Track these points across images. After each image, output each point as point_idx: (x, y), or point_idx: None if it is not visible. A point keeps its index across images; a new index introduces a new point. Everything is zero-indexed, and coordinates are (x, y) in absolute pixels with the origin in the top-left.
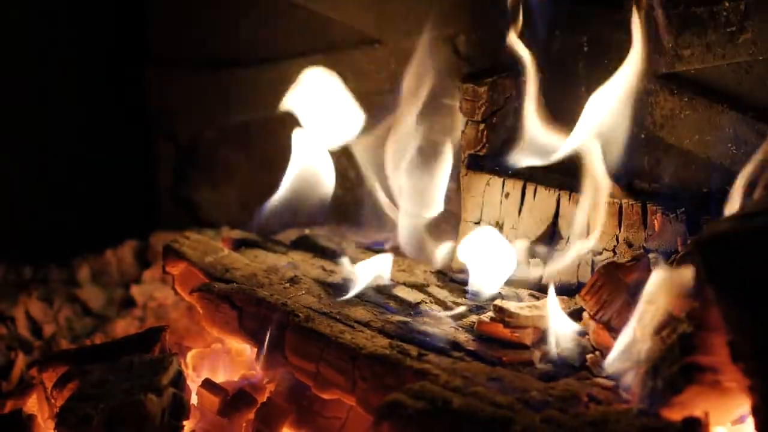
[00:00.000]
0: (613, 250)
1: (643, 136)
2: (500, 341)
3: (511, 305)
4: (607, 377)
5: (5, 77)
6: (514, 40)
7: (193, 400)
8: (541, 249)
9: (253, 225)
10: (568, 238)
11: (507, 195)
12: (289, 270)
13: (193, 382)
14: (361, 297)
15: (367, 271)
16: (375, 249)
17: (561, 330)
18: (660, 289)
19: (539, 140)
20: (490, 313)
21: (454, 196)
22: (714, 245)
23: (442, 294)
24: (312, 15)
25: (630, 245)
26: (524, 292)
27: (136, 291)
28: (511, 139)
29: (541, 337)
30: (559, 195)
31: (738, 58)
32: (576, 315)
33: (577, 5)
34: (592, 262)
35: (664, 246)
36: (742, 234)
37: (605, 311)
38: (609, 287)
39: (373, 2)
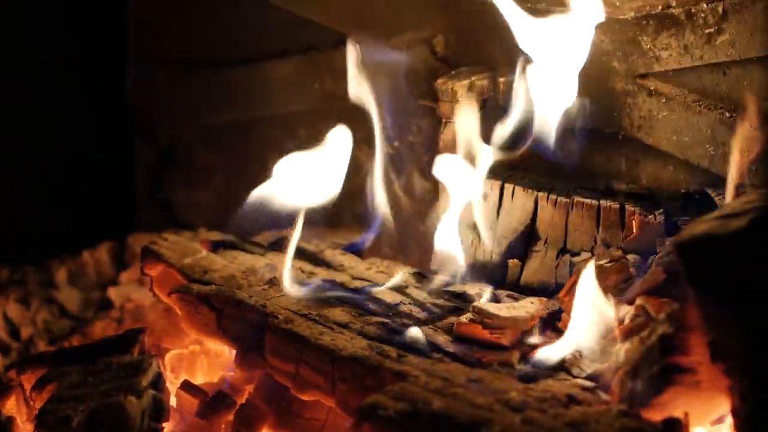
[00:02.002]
0: (591, 251)
1: (620, 137)
2: (479, 342)
3: (489, 306)
4: (586, 378)
5: None
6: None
7: (172, 401)
8: (519, 250)
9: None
10: (546, 239)
11: (485, 196)
12: (268, 272)
13: (172, 384)
14: (340, 298)
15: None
16: (352, 250)
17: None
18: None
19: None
20: (469, 315)
21: (432, 197)
22: (694, 246)
23: (421, 295)
24: (290, 16)
25: (608, 246)
26: (502, 293)
27: (113, 292)
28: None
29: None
30: (537, 196)
31: (716, 59)
32: (555, 316)
33: None
34: (570, 263)
35: (642, 247)
36: (723, 235)
37: None
38: None
39: (352, 3)
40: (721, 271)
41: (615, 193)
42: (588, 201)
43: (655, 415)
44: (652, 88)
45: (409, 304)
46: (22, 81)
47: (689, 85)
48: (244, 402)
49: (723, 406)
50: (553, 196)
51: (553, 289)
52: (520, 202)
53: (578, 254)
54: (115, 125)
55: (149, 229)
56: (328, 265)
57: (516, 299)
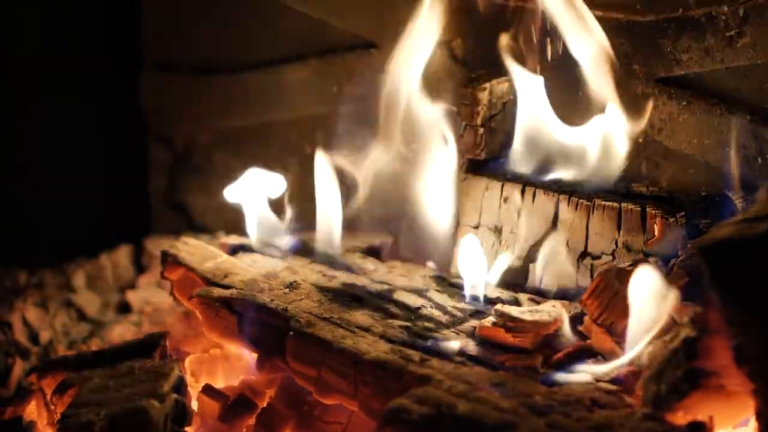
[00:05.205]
0: (612, 255)
1: (641, 140)
2: (501, 346)
3: (512, 310)
4: (610, 381)
5: None
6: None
7: (193, 405)
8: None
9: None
10: (567, 242)
11: (506, 199)
12: (289, 275)
13: (192, 388)
14: (362, 302)
15: None
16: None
17: None
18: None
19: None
20: (492, 318)
21: (453, 200)
22: (718, 250)
23: (442, 298)
24: (307, 19)
25: (629, 249)
26: (524, 296)
27: (131, 296)
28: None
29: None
30: (558, 199)
31: (737, 62)
32: (577, 319)
33: None
34: (592, 266)
35: (663, 250)
36: (746, 238)
37: (607, 315)
38: (610, 291)
39: (370, 6)
40: (744, 274)
41: (636, 195)
42: (609, 204)
43: (680, 419)
44: (672, 90)
45: (431, 307)
46: (36, 85)
47: (710, 88)
48: (265, 406)
49: (747, 409)
50: (574, 199)
51: (574, 292)
52: (541, 205)
53: (599, 257)
54: (132, 128)
55: (166, 233)
56: (348, 268)
57: (538, 302)
